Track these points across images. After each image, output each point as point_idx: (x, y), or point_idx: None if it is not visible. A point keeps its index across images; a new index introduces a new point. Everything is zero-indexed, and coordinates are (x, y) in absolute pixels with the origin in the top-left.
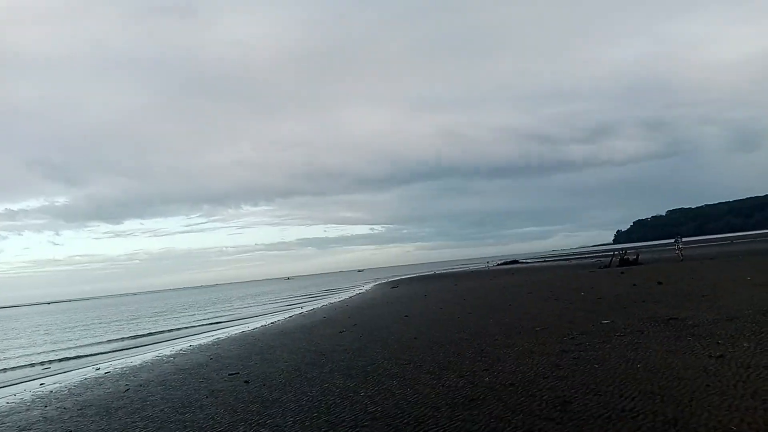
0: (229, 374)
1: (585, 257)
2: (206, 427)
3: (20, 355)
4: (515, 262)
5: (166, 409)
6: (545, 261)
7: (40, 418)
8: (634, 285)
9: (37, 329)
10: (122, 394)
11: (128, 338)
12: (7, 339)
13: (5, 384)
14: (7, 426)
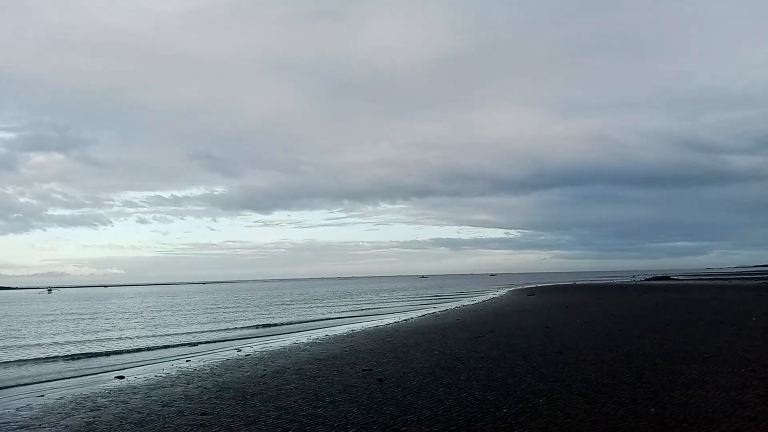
0: (363, 370)
1: (747, 278)
2: (338, 426)
3: (172, 333)
4: (666, 278)
5: (299, 401)
6: (700, 279)
7: (182, 396)
8: None
9: (195, 308)
10: (259, 379)
11: (269, 324)
12: (167, 315)
13: (158, 359)
14: (152, 400)
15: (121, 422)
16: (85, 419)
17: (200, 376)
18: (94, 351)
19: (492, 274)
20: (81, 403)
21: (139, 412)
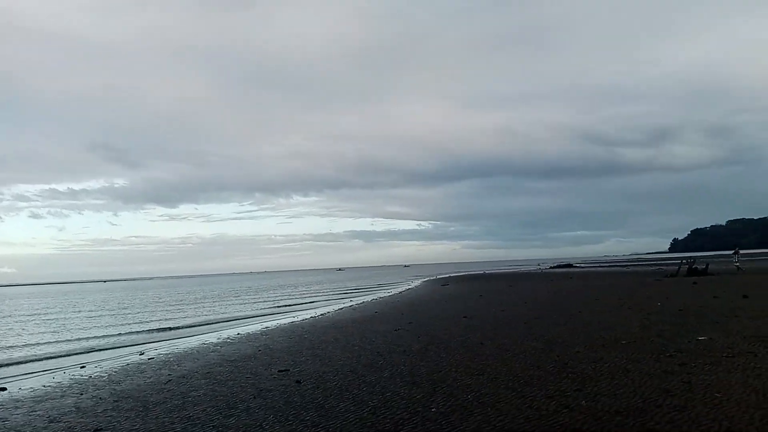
0: (279, 371)
1: (642, 264)
2: None
3: (68, 339)
4: (569, 266)
5: (208, 409)
6: (600, 266)
7: (73, 408)
8: (716, 297)
9: (92, 308)
10: (163, 386)
11: (175, 325)
12: (62, 317)
13: (49, 363)
14: (38, 415)
15: None
16: None
17: (96, 385)
18: None
19: (406, 266)
20: None
21: (19, 431)
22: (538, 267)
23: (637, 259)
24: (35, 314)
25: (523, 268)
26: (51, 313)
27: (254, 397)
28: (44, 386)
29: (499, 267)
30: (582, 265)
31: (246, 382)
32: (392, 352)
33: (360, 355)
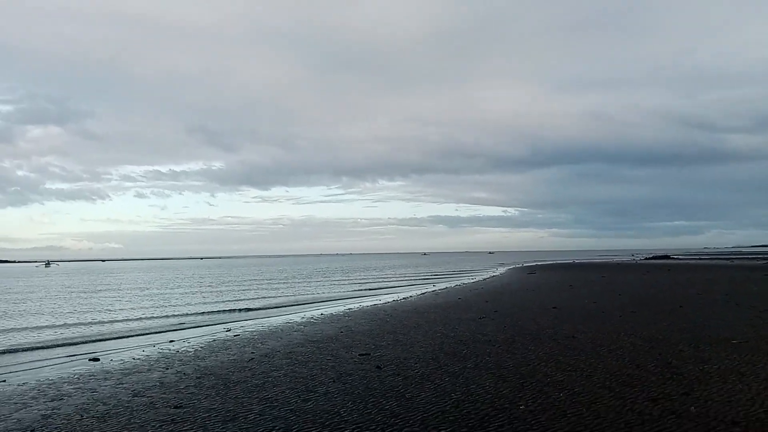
0: (360, 354)
1: (748, 258)
2: (331, 425)
3: (161, 314)
4: (666, 257)
5: (287, 391)
6: (701, 259)
7: (157, 383)
8: None
9: (188, 285)
10: (245, 364)
11: (264, 300)
12: (160, 291)
13: (142, 336)
14: (123, 388)
15: (82, 416)
16: (42, 411)
17: (181, 360)
18: (74, 331)
19: (490, 252)
20: (43, 391)
21: (104, 403)
22: (632, 258)
23: (741, 253)
24: (137, 288)
25: (615, 259)
26: (151, 288)
27: (334, 381)
28: (134, 359)
29: (589, 257)
30: (680, 256)
31: (326, 364)
32: (476, 341)
33: (443, 342)
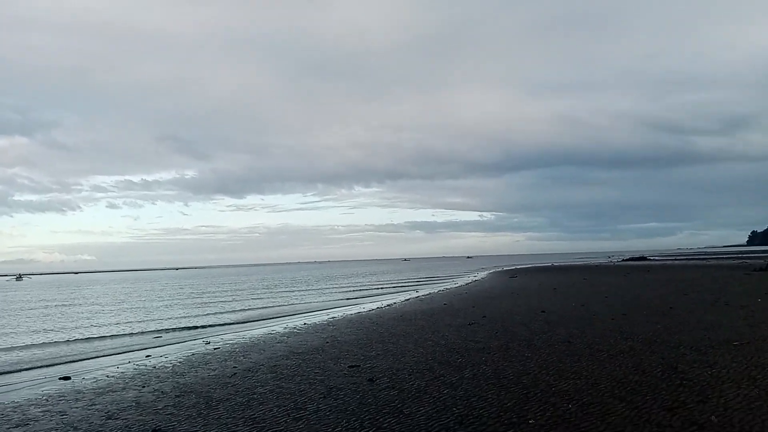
0: (349, 366)
1: (723, 257)
2: None
3: (140, 320)
4: (643, 258)
5: (275, 410)
6: (677, 259)
7: (132, 403)
8: None
9: (164, 296)
10: (228, 380)
11: (244, 310)
12: (134, 303)
13: (117, 350)
14: (96, 409)
15: None
16: None
17: (159, 376)
18: (44, 348)
19: (468, 257)
20: (6, 416)
21: (75, 428)
22: (609, 259)
23: (715, 252)
24: (111, 301)
25: (592, 261)
26: (126, 301)
27: (324, 397)
28: (108, 377)
29: (566, 259)
30: (656, 257)
31: (314, 378)
32: (470, 349)
33: (435, 351)
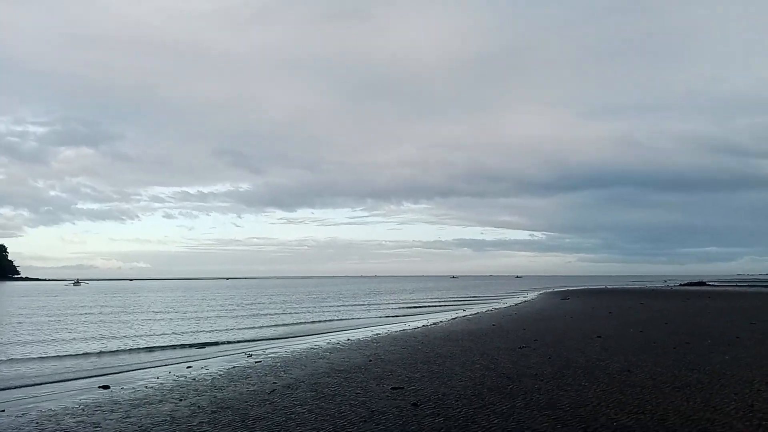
0: (393, 388)
1: None
2: None
3: (184, 330)
4: (702, 283)
5: None
6: (738, 285)
7: (167, 418)
8: None
9: (212, 305)
10: (266, 396)
11: (288, 324)
12: (185, 311)
13: (160, 359)
14: (130, 422)
15: None
16: None
17: (197, 389)
18: (90, 355)
19: (518, 276)
20: (41, 425)
21: None
22: (666, 284)
23: None
24: (162, 309)
25: (648, 285)
26: (175, 309)
27: (365, 421)
28: (146, 387)
29: (620, 282)
30: (716, 283)
31: (356, 399)
32: (521, 374)
33: (484, 375)
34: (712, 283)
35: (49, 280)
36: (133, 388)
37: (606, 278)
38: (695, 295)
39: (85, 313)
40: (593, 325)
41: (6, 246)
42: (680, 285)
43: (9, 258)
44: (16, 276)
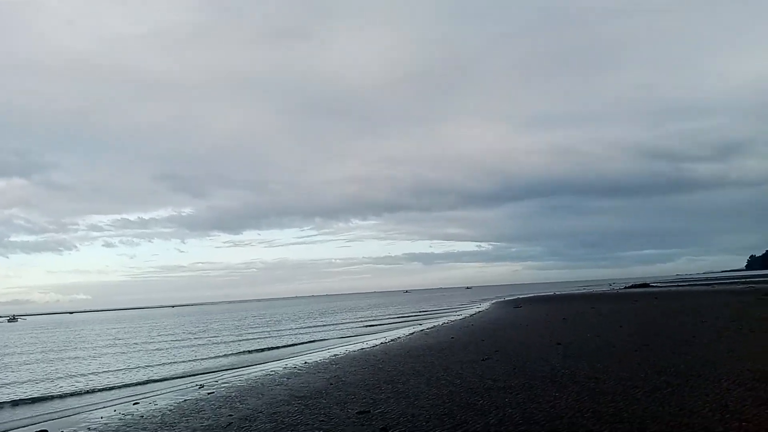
0: (358, 413)
1: (726, 282)
2: None
3: (128, 365)
4: (646, 285)
5: None
6: (679, 285)
7: None
8: None
9: (158, 335)
10: (222, 431)
11: (238, 351)
12: (124, 343)
13: (105, 395)
14: None
15: None
16: None
17: (145, 428)
18: (24, 393)
19: (468, 287)
20: None
21: None
22: (611, 287)
23: (717, 278)
24: (100, 344)
25: (594, 289)
26: (116, 343)
27: None
28: (89, 429)
29: (568, 288)
30: (659, 284)
31: (320, 427)
32: (489, 388)
33: (451, 392)
34: (655, 284)
35: None
36: (74, 430)
37: (553, 285)
38: (642, 297)
39: (30, 352)
40: (550, 333)
41: None
42: (625, 288)
43: None
44: None
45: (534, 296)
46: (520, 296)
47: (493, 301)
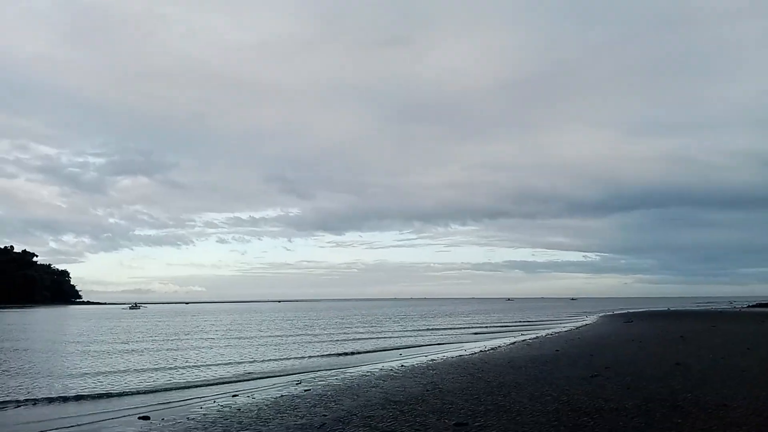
0: (455, 424)
1: None
2: None
3: (234, 362)
4: None
5: None
6: None
7: None
8: None
9: (266, 328)
10: (315, 431)
11: (340, 349)
12: (236, 336)
13: (209, 388)
14: None
15: None
16: None
17: (241, 422)
18: (131, 381)
19: (573, 299)
20: None
21: None
22: (732, 305)
23: None
24: (214, 334)
25: (712, 306)
26: (227, 335)
27: None
28: (188, 419)
29: (682, 304)
30: None
31: None
32: (600, 409)
33: (557, 409)
34: None
35: (108, 303)
36: (174, 419)
37: (666, 300)
38: None
39: (154, 338)
40: (667, 351)
41: (69, 271)
42: (748, 306)
43: (71, 283)
44: (78, 300)
45: (646, 311)
46: (631, 310)
47: (600, 315)
